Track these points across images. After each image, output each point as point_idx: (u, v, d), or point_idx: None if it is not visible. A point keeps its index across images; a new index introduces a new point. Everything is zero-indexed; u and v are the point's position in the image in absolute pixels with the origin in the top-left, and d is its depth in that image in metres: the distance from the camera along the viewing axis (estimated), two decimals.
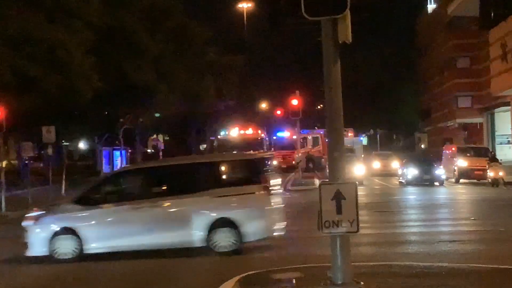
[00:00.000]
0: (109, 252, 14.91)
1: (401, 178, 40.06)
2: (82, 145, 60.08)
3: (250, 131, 46.05)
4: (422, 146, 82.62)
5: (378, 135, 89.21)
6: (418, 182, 37.14)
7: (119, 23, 39.48)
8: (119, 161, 53.76)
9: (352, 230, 9.79)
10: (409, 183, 37.71)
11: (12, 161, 49.45)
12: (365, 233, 15.96)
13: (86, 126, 49.33)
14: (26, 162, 32.57)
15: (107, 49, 38.77)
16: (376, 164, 51.78)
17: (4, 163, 31.84)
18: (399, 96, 77.54)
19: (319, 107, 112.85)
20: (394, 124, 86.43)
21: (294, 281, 10.92)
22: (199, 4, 53.43)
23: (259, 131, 47.20)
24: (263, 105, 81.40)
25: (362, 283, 10.01)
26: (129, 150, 56.83)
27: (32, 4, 32.70)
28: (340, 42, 9.81)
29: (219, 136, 36.54)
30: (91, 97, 36.52)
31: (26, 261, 14.96)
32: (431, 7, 74.49)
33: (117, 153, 54.25)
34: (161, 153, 54.48)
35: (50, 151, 33.18)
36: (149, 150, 63.43)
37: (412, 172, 37.99)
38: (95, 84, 35.86)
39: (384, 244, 15.57)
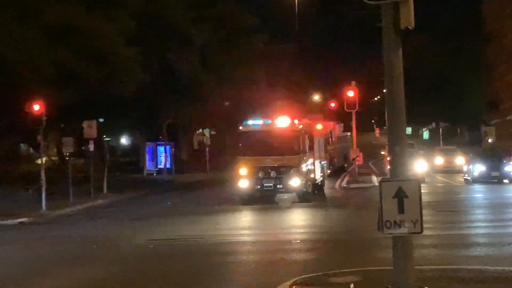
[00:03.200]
0: (161, 251, 15.10)
1: (466, 175, 39.27)
2: (124, 140, 60.82)
3: (281, 121, 31.23)
4: (489, 140, 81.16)
5: (440, 129, 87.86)
6: (485, 180, 36.32)
7: (162, 11, 39.72)
8: (163, 157, 54.05)
9: (415, 231, 9.68)
10: (475, 180, 36.92)
11: (53, 158, 50.33)
12: (429, 234, 15.72)
13: (129, 120, 49.84)
14: (67, 158, 33.03)
15: (150, 39, 39.06)
16: (439, 160, 50.69)
17: (44, 160, 32.45)
18: (463, 87, 75.99)
19: (376, 98, 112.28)
20: (458, 117, 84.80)
21: (352, 285, 10.86)
22: None
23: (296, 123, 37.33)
24: (316, 97, 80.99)
25: None
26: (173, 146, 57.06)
27: None
28: (402, 28, 9.70)
29: (240, 128, 30.31)
30: (134, 90, 36.91)
31: (66, 263, 15.24)
32: None
33: (161, 148, 54.55)
34: (207, 149, 54.37)
35: (91, 147, 33.57)
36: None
37: (479, 168, 37.13)
38: (138, 76, 36.22)
39: (449, 246, 15.34)
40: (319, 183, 31.93)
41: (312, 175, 29.56)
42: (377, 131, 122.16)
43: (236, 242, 18.14)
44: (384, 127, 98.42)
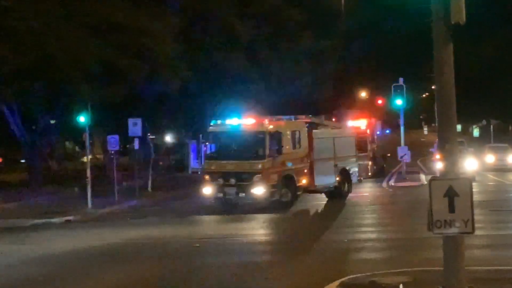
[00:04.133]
0: (206, 249, 15.23)
1: None
2: (169, 138, 61.14)
3: (247, 122, 28.46)
4: None
5: (491, 126, 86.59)
6: None
7: (207, 8, 39.88)
8: None
9: (466, 231, 9.58)
10: None
11: (98, 156, 51.01)
12: (480, 234, 15.52)
13: (174, 118, 50.18)
14: (112, 156, 33.40)
15: (195, 36, 39.29)
16: (490, 158, 49.63)
17: (89, 158, 32.86)
18: None
19: (424, 95, 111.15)
20: (509, 114, 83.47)
21: (401, 286, 10.79)
22: None
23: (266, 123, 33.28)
24: (363, 94, 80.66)
25: None
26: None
27: None
28: (452, 23, 9.60)
29: (210, 126, 28.72)
30: (179, 87, 37.18)
31: (113, 260, 15.46)
32: None
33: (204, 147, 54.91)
34: None
35: (136, 145, 33.92)
36: None
37: None
38: (183, 73, 36.45)
39: (502, 247, 15.15)
40: (338, 188, 28.18)
41: (304, 181, 25.91)
42: (425, 128, 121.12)
43: (280, 241, 18.17)
44: (433, 124, 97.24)
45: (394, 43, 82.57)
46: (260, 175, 24.22)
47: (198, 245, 17.92)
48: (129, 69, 33.39)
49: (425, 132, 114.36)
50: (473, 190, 9.60)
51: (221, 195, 25.26)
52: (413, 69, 73.13)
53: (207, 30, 40.56)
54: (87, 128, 29.71)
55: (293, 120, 27.63)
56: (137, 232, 21.47)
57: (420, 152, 59.50)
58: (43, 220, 25.10)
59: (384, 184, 38.12)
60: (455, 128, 10.00)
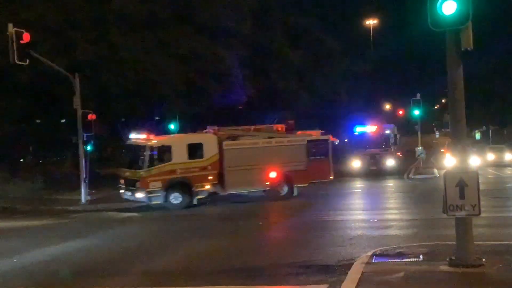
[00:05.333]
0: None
1: None
2: None
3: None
4: None
5: (490, 131, 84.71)
6: None
7: (267, 40, 40.04)
8: None
9: (474, 213, 9.46)
10: None
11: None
12: (484, 216, 14.87)
13: (242, 126, 50.43)
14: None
15: (258, 62, 39.45)
16: (490, 156, 48.97)
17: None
18: (508, 98, 72.83)
19: (436, 107, 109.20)
20: (504, 121, 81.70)
21: (421, 256, 10.62)
22: (332, 21, 52.92)
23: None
24: (387, 106, 79.72)
25: (484, 260, 9.61)
26: None
27: (197, 26, 33.82)
28: (462, 49, 9.42)
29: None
30: (245, 102, 37.46)
31: (196, 236, 15.50)
32: None
33: None
34: None
35: None
36: None
37: None
38: (248, 91, 36.69)
39: (502, 226, 14.81)
40: (273, 190, 24.62)
41: (207, 186, 23.34)
42: (437, 132, 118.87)
43: (326, 220, 18.05)
44: (443, 130, 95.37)
45: (412, 65, 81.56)
46: (139, 182, 22.51)
47: (261, 223, 17.98)
48: (207, 88, 33.75)
49: (437, 136, 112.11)
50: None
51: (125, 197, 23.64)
52: (427, 86, 71.98)
53: (266, 57, 40.67)
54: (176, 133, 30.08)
55: (204, 133, 25.15)
56: (213, 212, 21.75)
57: (433, 151, 58.51)
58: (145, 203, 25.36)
59: (405, 177, 37.58)
60: (465, 132, 9.85)
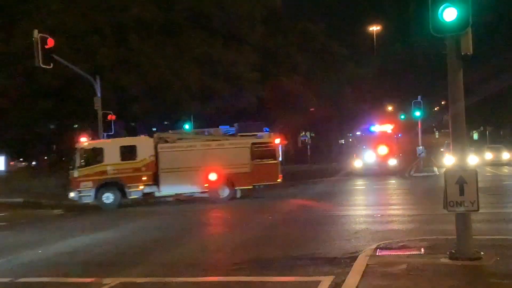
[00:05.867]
0: (279, 222, 15.24)
1: None
2: None
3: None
4: None
5: (487, 132, 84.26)
6: None
7: (276, 46, 40.15)
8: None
9: (473, 209, 9.40)
10: None
11: None
12: (483, 212, 14.91)
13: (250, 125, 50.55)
14: None
15: (267, 66, 39.54)
16: (488, 156, 48.43)
17: None
18: (507, 98, 72.25)
19: (435, 109, 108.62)
20: (501, 123, 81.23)
21: (422, 249, 10.57)
22: (338, 27, 53.14)
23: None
24: (389, 108, 79.45)
25: (482, 253, 9.56)
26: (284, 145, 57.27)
27: (212, 33, 33.95)
28: (462, 54, 9.37)
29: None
30: (256, 103, 37.50)
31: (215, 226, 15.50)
32: None
33: None
34: (309, 147, 54.53)
35: None
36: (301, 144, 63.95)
37: None
38: (259, 93, 36.74)
39: (499, 221, 14.67)
40: (212, 191, 23.58)
41: (141, 187, 23.01)
42: (436, 133, 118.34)
43: (332, 215, 18.03)
44: (442, 130, 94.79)
45: (412, 69, 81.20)
46: (71, 182, 22.90)
47: (270, 217, 17.98)
48: (221, 91, 33.88)
49: (437, 136, 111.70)
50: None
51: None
52: (427, 89, 71.66)
53: (276, 61, 40.76)
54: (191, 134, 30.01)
55: (143, 137, 24.62)
56: (230, 210, 21.74)
57: (433, 151, 58.15)
58: (162, 199, 25.45)
59: (406, 175, 37.44)
60: (465, 134, 9.79)
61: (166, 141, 23.79)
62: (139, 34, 31.58)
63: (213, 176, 23.23)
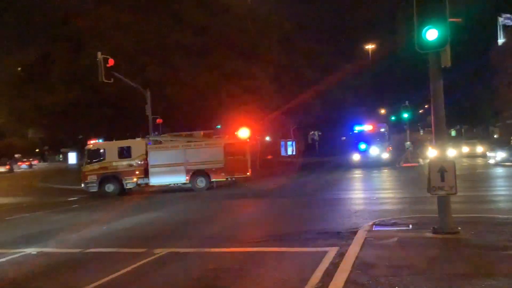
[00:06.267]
0: (297, 203, 15.23)
1: (490, 159, 33.15)
2: (267, 138, 61.42)
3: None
4: (495, 136, 75.38)
5: (462, 129, 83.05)
6: (505, 163, 30.89)
7: (290, 61, 40.05)
8: (291, 148, 54.40)
9: (452, 192, 9.29)
10: (497, 163, 31.50)
11: None
12: (459, 195, 14.71)
13: (270, 126, 50.54)
14: None
15: (283, 78, 39.43)
16: (465, 149, 47.23)
17: None
18: (477, 100, 71.15)
19: (420, 111, 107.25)
20: (474, 122, 79.95)
21: (410, 225, 10.48)
22: (340, 46, 52.83)
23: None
24: (382, 111, 78.71)
25: (459, 228, 9.45)
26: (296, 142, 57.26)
27: (237, 51, 33.90)
28: (442, 66, 9.26)
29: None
30: (275, 109, 37.44)
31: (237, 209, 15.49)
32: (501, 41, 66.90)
33: (289, 143, 54.91)
34: (317, 143, 54.43)
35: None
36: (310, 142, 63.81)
37: (500, 155, 31.88)
38: (277, 100, 36.63)
39: (474, 202, 14.46)
40: (192, 183, 23.58)
41: (135, 179, 23.53)
42: (421, 131, 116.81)
43: (336, 198, 17.94)
44: (426, 129, 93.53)
45: (401, 78, 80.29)
46: (81, 176, 23.89)
47: (291, 199, 17.93)
48: (243, 99, 33.87)
49: (421, 133, 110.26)
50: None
51: None
52: (414, 94, 70.71)
53: (289, 74, 40.65)
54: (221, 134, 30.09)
55: (136, 140, 25.24)
56: (254, 191, 21.79)
57: (418, 145, 57.40)
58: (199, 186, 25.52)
59: (397, 165, 37.02)
60: (445, 130, 9.65)
61: (160, 142, 24.28)
62: (180, 55, 31.77)
63: (191, 170, 23.47)
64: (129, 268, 8.48)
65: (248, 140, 24.53)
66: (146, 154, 23.67)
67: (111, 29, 31.10)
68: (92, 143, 24.42)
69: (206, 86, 31.64)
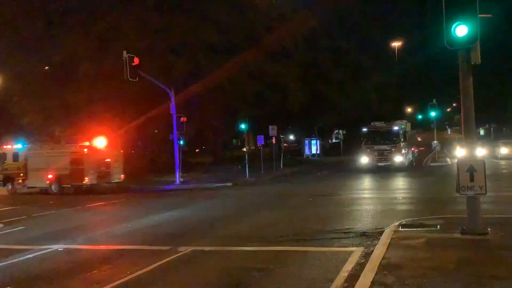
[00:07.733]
0: (316, 203, 15.14)
1: None
2: (291, 137, 61.35)
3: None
4: None
5: (492, 128, 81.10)
6: None
7: (315, 60, 39.87)
8: (315, 147, 54.15)
9: (481, 193, 9.09)
10: None
11: (251, 147, 51.89)
12: (490, 195, 14.42)
13: (295, 125, 50.50)
14: (260, 148, 33.95)
15: (307, 77, 39.27)
16: (504, 150, 40.17)
17: (246, 148, 33.82)
18: (507, 99, 69.43)
19: (448, 110, 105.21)
20: (503, 120, 77.95)
21: (438, 226, 10.30)
22: (366, 44, 52.26)
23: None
24: (409, 109, 77.65)
25: (489, 229, 9.25)
26: (321, 140, 56.98)
27: (263, 50, 33.78)
28: (472, 63, 9.06)
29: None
30: (298, 107, 37.33)
31: (262, 207, 15.55)
32: None
33: (313, 141, 54.63)
34: (341, 142, 54.13)
35: (273, 140, 34.21)
36: (334, 141, 63.37)
37: None
38: (301, 99, 36.51)
39: (503, 203, 14.13)
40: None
41: (20, 181, 25.95)
42: (448, 130, 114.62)
43: (360, 197, 17.78)
44: (454, 128, 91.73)
45: (428, 76, 79.03)
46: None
47: (311, 199, 17.88)
48: (270, 98, 33.90)
49: (449, 132, 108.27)
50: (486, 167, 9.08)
51: None
52: (441, 92, 69.60)
53: (315, 73, 40.44)
54: (245, 132, 30.32)
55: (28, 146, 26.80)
56: (274, 190, 21.65)
57: (446, 145, 56.38)
58: (221, 184, 25.73)
59: (424, 164, 36.46)
60: (474, 129, 9.47)
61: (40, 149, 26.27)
62: (206, 54, 31.86)
63: (50, 175, 25.17)
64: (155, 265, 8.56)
65: (86, 149, 24.75)
66: (26, 159, 26.15)
67: (136, 28, 31.38)
68: (5, 149, 27.03)
69: (232, 84, 31.69)
